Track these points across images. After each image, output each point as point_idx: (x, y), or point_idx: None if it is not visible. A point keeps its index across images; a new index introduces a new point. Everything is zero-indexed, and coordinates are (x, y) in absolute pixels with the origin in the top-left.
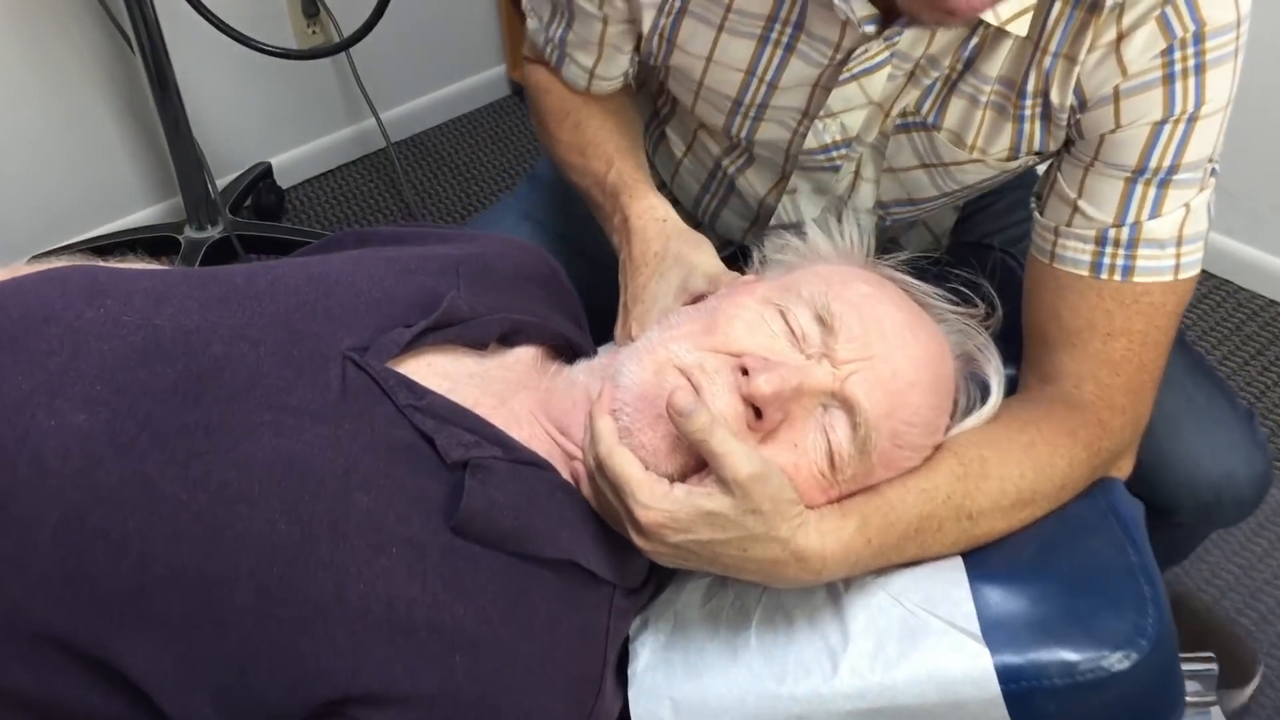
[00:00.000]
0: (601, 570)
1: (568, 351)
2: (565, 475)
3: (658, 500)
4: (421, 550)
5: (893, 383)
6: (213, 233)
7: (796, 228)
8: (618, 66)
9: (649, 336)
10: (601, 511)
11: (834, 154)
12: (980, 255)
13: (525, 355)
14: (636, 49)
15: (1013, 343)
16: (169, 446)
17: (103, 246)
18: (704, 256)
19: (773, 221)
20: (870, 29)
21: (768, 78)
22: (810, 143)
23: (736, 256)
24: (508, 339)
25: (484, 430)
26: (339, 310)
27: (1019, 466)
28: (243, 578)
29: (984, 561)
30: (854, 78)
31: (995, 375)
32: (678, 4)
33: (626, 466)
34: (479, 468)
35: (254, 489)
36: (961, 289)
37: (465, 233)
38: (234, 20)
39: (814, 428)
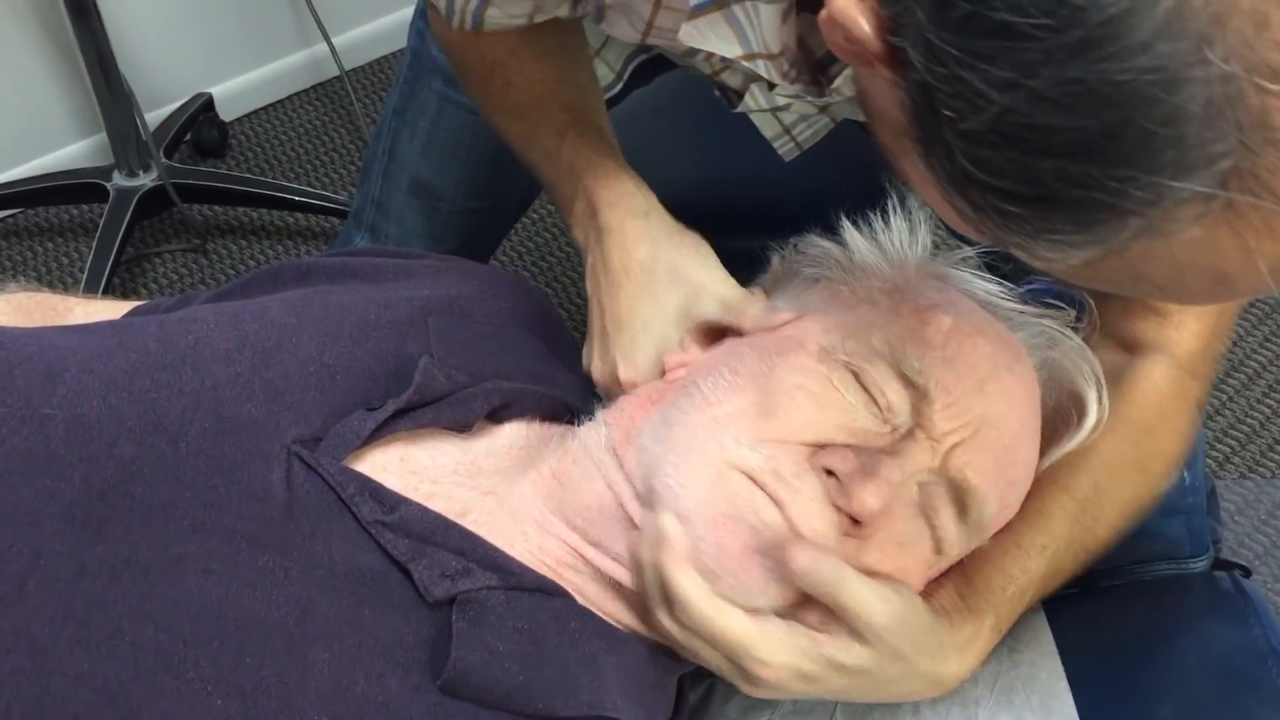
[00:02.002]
0: (632, 718)
1: (566, 413)
2: (583, 596)
3: (780, 654)
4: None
5: (999, 444)
6: (145, 180)
7: (831, 232)
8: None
9: (683, 420)
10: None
11: None
12: None
13: (518, 435)
14: None
15: None
16: (64, 597)
17: (22, 193)
18: (708, 272)
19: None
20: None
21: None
22: None
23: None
24: (496, 414)
25: (474, 550)
26: (281, 384)
27: (1134, 488)
28: None
29: None
30: None
31: (1092, 391)
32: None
33: (738, 627)
34: (469, 604)
35: (177, 650)
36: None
37: (429, 261)
38: None
39: (913, 514)
